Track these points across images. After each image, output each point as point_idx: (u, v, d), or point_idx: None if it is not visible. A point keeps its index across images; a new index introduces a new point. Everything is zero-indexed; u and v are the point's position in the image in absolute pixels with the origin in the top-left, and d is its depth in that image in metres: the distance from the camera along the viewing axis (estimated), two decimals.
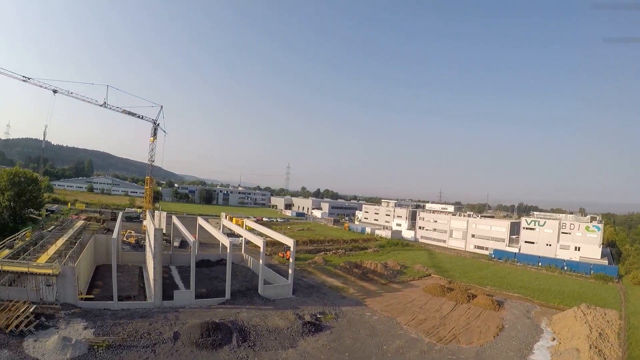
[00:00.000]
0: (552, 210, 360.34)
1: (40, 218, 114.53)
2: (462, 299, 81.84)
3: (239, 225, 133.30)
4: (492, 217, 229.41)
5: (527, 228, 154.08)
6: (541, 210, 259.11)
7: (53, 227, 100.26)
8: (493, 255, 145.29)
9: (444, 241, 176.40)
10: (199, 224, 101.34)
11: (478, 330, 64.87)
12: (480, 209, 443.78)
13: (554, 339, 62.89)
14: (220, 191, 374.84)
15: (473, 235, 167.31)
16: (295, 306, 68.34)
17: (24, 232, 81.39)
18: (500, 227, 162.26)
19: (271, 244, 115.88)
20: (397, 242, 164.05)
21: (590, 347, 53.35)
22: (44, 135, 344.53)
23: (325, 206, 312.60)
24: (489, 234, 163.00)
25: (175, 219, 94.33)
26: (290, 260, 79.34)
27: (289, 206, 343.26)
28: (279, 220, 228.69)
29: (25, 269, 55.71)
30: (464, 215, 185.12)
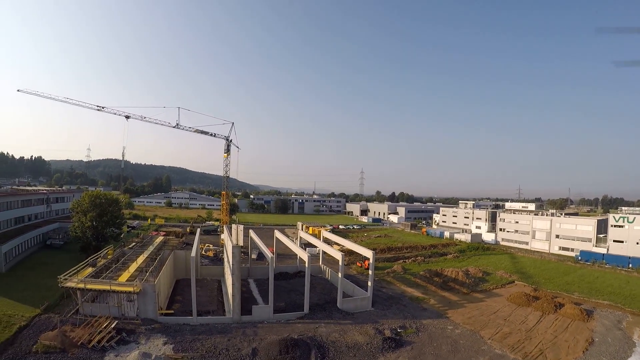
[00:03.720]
0: None
1: (121, 236, 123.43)
2: (549, 308, 77.04)
3: (316, 234, 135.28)
4: (576, 214, 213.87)
5: (615, 226, 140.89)
6: (628, 203, 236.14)
7: (134, 244, 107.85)
8: (579, 257, 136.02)
9: (527, 243, 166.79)
10: (275, 236, 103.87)
11: (566, 344, 60.38)
12: (562, 205, 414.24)
13: None
14: (296, 200, 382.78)
15: (557, 236, 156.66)
16: (374, 320, 67.75)
17: (106, 251, 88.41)
18: (586, 226, 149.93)
19: (349, 253, 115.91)
20: (477, 246, 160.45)
21: None
22: (123, 155, 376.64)
23: (402, 210, 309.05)
24: (574, 233, 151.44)
25: (252, 233, 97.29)
26: (370, 272, 78.89)
27: (364, 212, 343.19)
28: (355, 227, 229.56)
29: (107, 287, 60.60)
30: (546, 214, 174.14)
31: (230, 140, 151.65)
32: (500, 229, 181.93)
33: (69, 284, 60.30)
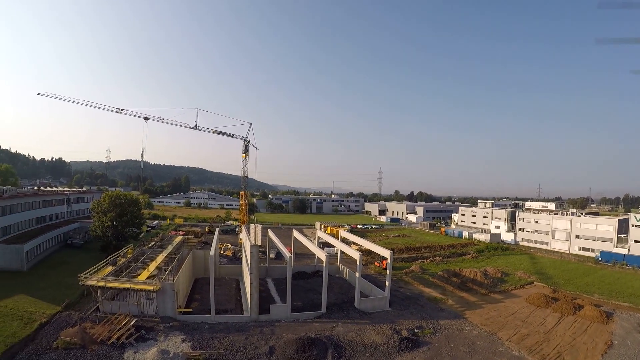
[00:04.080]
0: None
1: (141, 236, 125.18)
2: (568, 310, 75.83)
3: (334, 234, 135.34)
4: (597, 213, 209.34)
5: (636, 225, 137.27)
6: None
7: (153, 243, 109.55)
8: (600, 258, 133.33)
9: (546, 243, 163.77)
10: (294, 236, 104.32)
11: (585, 347, 59.33)
12: (582, 204, 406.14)
13: None
14: (314, 200, 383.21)
15: (577, 236, 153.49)
16: (392, 320, 67.70)
17: (126, 250, 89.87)
18: (607, 226, 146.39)
19: (367, 253, 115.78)
20: (496, 246, 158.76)
21: None
22: (142, 156, 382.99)
23: (420, 210, 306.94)
24: (594, 233, 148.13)
25: (270, 233, 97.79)
26: (388, 272, 78.74)
27: (383, 212, 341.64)
28: (373, 227, 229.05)
29: (127, 286, 61.78)
30: (566, 214, 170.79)
31: (248, 141, 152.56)
32: (520, 229, 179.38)
33: (90, 282, 61.74)
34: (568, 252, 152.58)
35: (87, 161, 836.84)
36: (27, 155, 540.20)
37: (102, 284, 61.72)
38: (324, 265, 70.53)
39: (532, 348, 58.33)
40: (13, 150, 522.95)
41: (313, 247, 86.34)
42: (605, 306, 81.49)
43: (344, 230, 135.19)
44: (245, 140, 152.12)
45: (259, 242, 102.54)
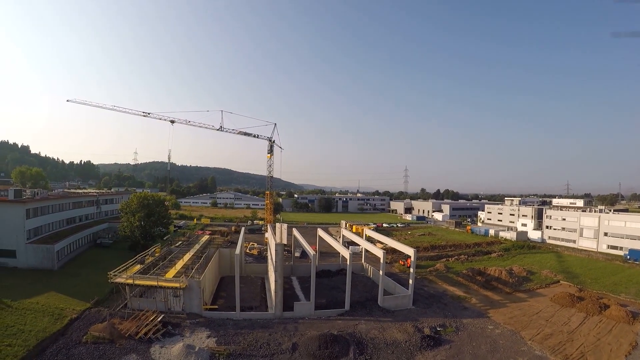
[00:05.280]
0: None
1: (167, 237, 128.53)
2: (593, 310, 74.70)
3: (359, 233, 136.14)
4: (626, 210, 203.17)
5: None
6: None
7: (180, 242, 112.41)
8: (628, 257, 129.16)
9: (574, 241, 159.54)
10: (318, 235, 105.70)
11: (609, 347, 58.59)
12: (612, 201, 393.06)
13: None
14: (340, 199, 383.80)
15: (606, 234, 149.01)
16: (414, 318, 68.45)
17: (154, 249, 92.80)
18: (636, 223, 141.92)
19: (391, 251, 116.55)
20: (522, 245, 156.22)
21: None
22: (169, 158, 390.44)
23: (446, 208, 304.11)
24: (623, 231, 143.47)
25: (295, 231, 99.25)
26: (411, 270, 79.52)
27: (408, 210, 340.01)
28: (399, 225, 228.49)
29: (154, 283, 64.31)
30: (594, 210, 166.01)
31: (273, 141, 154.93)
32: (547, 227, 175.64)
33: (119, 280, 64.53)
34: (596, 250, 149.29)
35: (115, 163, 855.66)
36: (56, 159, 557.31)
37: (130, 281, 64.45)
38: (348, 263, 71.86)
39: (555, 348, 58.15)
40: (43, 155, 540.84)
41: (337, 246, 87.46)
42: (631, 306, 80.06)
43: (369, 229, 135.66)
44: (270, 140, 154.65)
45: (285, 241, 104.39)
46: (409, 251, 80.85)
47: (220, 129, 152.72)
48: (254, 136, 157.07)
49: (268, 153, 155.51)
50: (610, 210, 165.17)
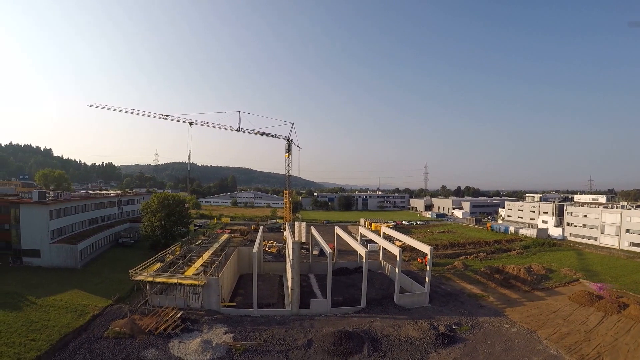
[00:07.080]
0: None
1: (187, 237, 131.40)
2: (612, 309, 73.60)
3: (377, 231, 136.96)
4: None
5: None
6: None
7: (200, 241, 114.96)
8: None
9: (595, 238, 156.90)
10: (336, 233, 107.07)
11: (626, 348, 57.80)
12: (636, 196, 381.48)
13: None
14: (359, 197, 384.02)
15: (627, 231, 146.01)
16: (430, 316, 69.07)
17: (174, 247, 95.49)
18: None
19: (409, 249, 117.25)
20: (542, 242, 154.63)
21: None
22: (189, 158, 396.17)
23: (466, 205, 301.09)
24: None
25: (313, 230, 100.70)
26: (427, 267, 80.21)
27: (428, 207, 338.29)
28: (418, 223, 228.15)
29: (174, 281, 66.75)
30: (616, 207, 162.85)
31: (291, 140, 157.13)
32: (568, 224, 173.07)
33: (139, 278, 67.05)
34: (618, 247, 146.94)
35: (136, 164, 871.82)
36: (78, 161, 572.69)
37: (151, 279, 66.84)
38: (364, 261, 72.97)
39: (571, 347, 57.98)
40: (65, 157, 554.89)
41: (354, 244, 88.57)
42: None
43: (388, 227, 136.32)
44: (287, 139, 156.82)
45: (303, 239, 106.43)
46: (425, 248, 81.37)
47: (239, 129, 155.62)
48: (272, 136, 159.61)
49: (286, 152, 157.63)
50: (632, 207, 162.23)
